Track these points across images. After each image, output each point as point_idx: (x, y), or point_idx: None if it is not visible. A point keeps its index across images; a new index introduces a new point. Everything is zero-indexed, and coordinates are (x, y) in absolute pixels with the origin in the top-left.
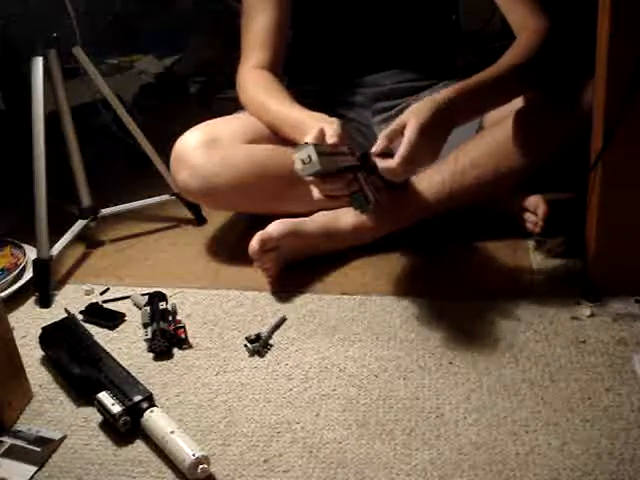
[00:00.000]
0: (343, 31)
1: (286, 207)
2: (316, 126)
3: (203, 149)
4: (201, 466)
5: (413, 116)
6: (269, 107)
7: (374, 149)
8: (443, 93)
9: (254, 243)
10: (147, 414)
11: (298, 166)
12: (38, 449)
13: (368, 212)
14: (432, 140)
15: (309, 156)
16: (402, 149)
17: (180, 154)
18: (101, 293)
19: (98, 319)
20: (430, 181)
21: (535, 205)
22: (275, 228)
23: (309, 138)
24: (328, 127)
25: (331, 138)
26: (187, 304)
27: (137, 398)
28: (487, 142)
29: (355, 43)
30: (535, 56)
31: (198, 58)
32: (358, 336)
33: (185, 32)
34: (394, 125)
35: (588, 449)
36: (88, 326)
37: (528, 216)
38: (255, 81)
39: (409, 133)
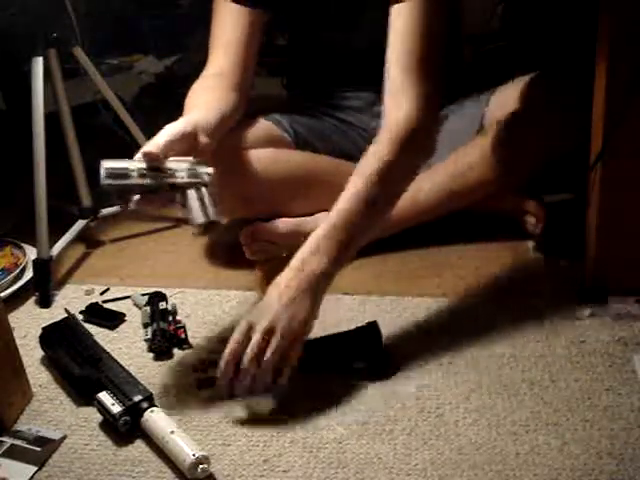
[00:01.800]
0: (342, 36)
1: (286, 209)
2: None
3: None
4: (201, 466)
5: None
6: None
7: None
8: (299, 254)
9: (246, 230)
10: (147, 414)
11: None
12: (38, 449)
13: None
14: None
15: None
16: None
17: None
18: (101, 293)
19: (98, 319)
20: (431, 183)
21: (534, 207)
22: (275, 224)
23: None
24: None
25: (146, 147)
26: (187, 304)
27: (137, 398)
28: (485, 144)
29: (353, 46)
30: (403, 155)
31: (198, 58)
32: None
33: (185, 32)
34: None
35: (588, 449)
36: (88, 326)
37: (528, 218)
38: (199, 89)
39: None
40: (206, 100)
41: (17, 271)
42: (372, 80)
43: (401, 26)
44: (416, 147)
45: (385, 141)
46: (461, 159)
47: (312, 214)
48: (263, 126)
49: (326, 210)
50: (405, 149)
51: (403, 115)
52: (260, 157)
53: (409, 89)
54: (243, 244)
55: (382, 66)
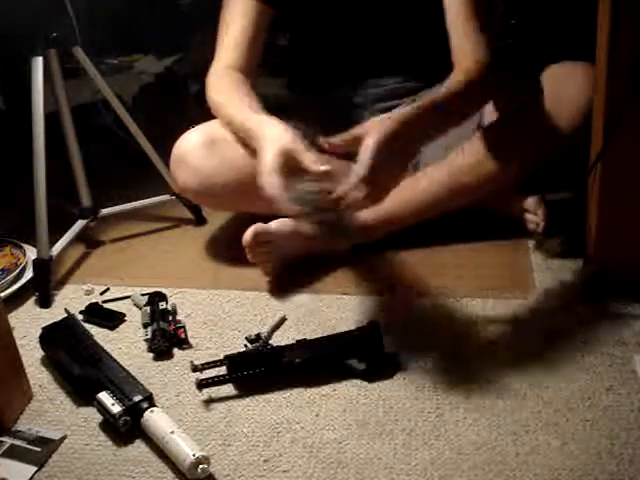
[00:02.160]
0: (343, 33)
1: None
2: (272, 148)
3: (203, 149)
4: (201, 466)
5: (372, 133)
6: (233, 112)
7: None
8: (397, 114)
9: (248, 234)
10: (147, 414)
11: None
12: (38, 449)
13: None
14: (388, 159)
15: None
16: (359, 166)
17: (180, 154)
18: (101, 293)
19: (98, 319)
20: (430, 182)
21: (535, 206)
22: (274, 225)
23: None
24: (299, 153)
25: (313, 165)
26: (187, 304)
27: (137, 398)
28: (483, 142)
29: (355, 45)
30: (471, 89)
31: (198, 58)
32: None
33: (185, 32)
34: (349, 134)
35: (588, 449)
36: (88, 326)
37: (529, 217)
38: (226, 84)
39: (368, 152)
40: (248, 102)
41: (17, 271)
42: (374, 78)
43: None
44: (482, 83)
45: (456, 79)
46: (460, 158)
47: None
48: None
49: None
50: (474, 82)
51: (471, 60)
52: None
53: (472, 39)
54: (246, 249)
55: (384, 65)
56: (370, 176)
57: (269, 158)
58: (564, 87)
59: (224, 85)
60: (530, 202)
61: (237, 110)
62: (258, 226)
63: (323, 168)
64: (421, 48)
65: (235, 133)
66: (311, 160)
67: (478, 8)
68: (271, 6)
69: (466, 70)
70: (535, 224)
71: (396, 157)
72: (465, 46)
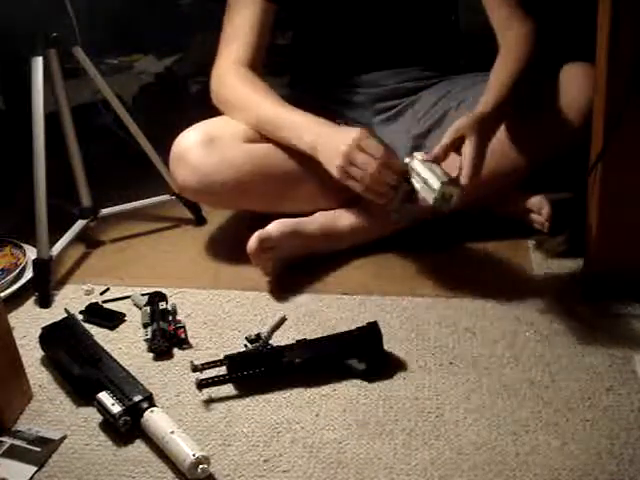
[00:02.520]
0: (344, 30)
1: (285, 207)
2: (359, 134)
3: (202, 148)
4: (201, 466)
5: (474, 133)
6: (263, 106)
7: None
8: (482, 108)
9: (252, 242)
10: (147, 414)
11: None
12: (38, 449)
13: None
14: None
15: (451, 195)
16: (468, 170)
17: (179, 153)
18: (101, 293)
19: (98, 319)
20: None
21: (539, 205)
22: (274, 227)
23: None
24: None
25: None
26: (187, 304)
27: (137, 398)
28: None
29: (356, 42)
30: (530, 57)
31: (198, 58)
32: None
33: (185, 32)
34: (447, 139)
35: (588, 449)
36: (88, 326)
37: (534, 217)
38: (241, 78)
39: (475, 153)
40: (272, 94)
41: (17, 271)
42: (376, 77)
43: None
44: (534, 50)
45: (511, 51)
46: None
47: (311, 214)
48: None
49: (323, 210)
50: (528, 53)
51: (516, 32)
52: (257, 150)
53: (514, 11)
54: (250, 255)
55: (386, 64)
56: (476, 178)
57: (358, 131)
58: (565, 88)
59: (246, 79)
60: (534, 201)
61: (272, 104)
62: (261, 233)
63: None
64: (422, 44)
65: (256, 127)
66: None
67: None
68: (275, 3)
69: (517, 43)
70: (540, 224)
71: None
72: (506, 19)
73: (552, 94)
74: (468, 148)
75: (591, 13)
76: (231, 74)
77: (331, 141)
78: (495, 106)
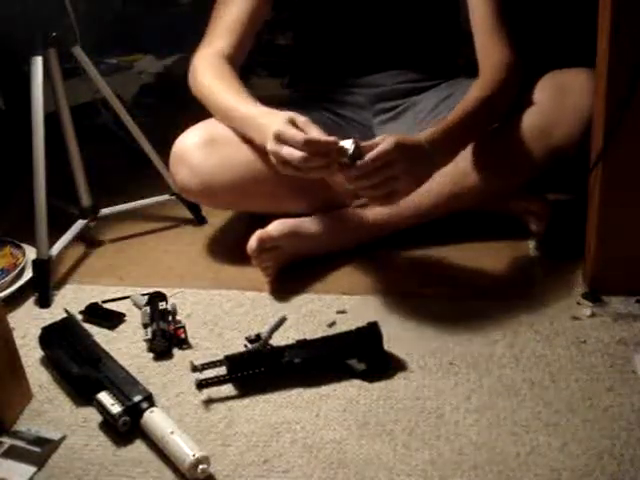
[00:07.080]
0: (344, 30)
1: (285, 207)
2: (283, 115)
3: (202, 148)
4: (201, 466)
5: (391, 135)
6: (222, 95)
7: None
8: (422, 134)
9: (253, 242)
10: (147, 414)
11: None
12: (38, 449)
13: None
14: (410, 163)
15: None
16: (372, 153)
17: (179, 153)
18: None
19: (98, 319)
20: (430, 185)
21: (537, 206)
22: (274, 228)
23: (280, 123)
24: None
25: (305, 123)
26: (187, 304)
27: (137, 398)
28: (484, 147)
29: (356, 42)
30: (499, 91)
31: None
32: None
33: (185, 32)
34: (375, 140)
35: (588, 449)
36: (88, 326)
37: (532, 217)
38: (214, 67)
39: (383, 143)
40: (237, 85)
41: (16, 271)
42: (376, 74)
43: None
44: (509, 83)
45: (484, 80)
46: (461, 162)
47: (311, 214)
48: None
49: (322, 210)
50: (502, 83)
51: (495, 60)
52: (257, 151)
53: (496, 40)
54: (251, 256)
55: (386, 64)
56: (358, 182)
57: (279, 122)
58: (567, 94)
59: (215, 71)
60: (533, 202)
61: (233, 97)
62: (262, 233)
63: (332, 138)
64: (422, 44)
65: (224, 119)
66: (318, 131)
67: (502, 10)
68: (272, 1)
69: (491, 73)
70: (537, 225)
71: (419, 167)
72: (488, 47)
73: (554, 100)
74: (378, 146)
75: (591, 15)
76: (207, 62)
77: (264, 138)
78: (433, 140)
